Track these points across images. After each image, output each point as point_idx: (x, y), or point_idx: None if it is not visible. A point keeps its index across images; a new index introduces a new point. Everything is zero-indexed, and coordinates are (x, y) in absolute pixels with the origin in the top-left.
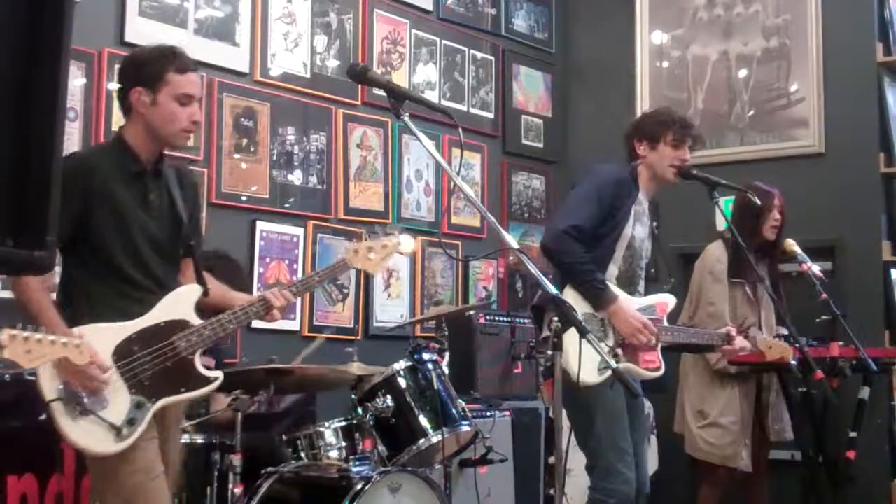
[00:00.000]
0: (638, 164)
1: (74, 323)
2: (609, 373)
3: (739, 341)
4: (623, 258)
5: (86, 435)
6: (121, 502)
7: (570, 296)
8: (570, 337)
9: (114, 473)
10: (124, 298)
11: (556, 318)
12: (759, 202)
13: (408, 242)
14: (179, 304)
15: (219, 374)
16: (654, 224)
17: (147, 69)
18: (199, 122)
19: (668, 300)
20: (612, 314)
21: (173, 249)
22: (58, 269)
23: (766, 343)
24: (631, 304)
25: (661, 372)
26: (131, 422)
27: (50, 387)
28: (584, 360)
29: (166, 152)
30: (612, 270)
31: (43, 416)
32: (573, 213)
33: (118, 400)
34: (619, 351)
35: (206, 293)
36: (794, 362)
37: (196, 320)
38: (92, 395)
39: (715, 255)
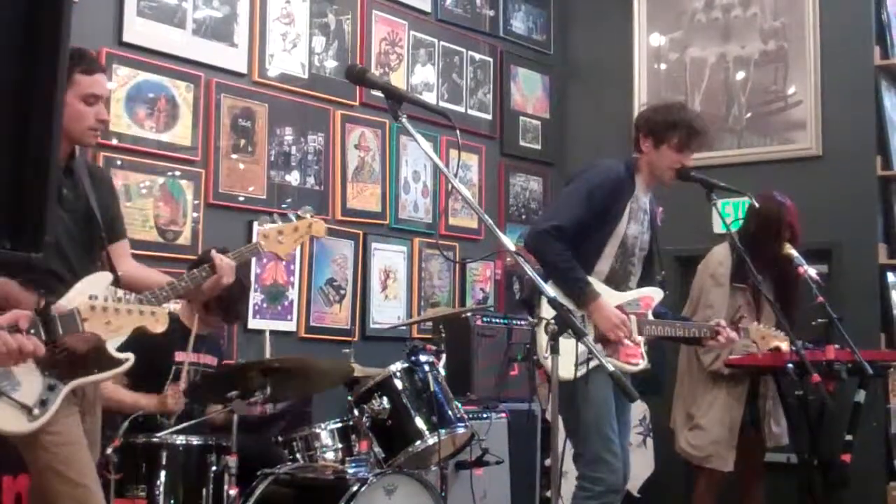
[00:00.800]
0: (640, 158)
1: None
2: (584, 370)
3: (726, 334)
4: (614, 255)
5: (3, 419)
6: (55, 472)
7: (553, 289)
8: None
9: (43, 445)
10: (39, 286)
11: (552, 321)
12: (784, 216)
13: (318, 226)
14: (90, 287)
15: (129, 355)
16: (660, 210)
17: None
18: (107, 121)
19: (654, 294)
20: (592, 311)
21: (88, 241)
22: None
23: (759, 333)
24: (610, 302)
25: (643, 366)
26: (43, 402)
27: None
28: (562, 356)
29: (78, 151)
30: (603, 267)
31: None
32: (557, 213)
33: (30, 381)
34: (599, 346)
35: (115, 280)
36: (790, 365)
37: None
38: (3, 378)
39: (718, 258)
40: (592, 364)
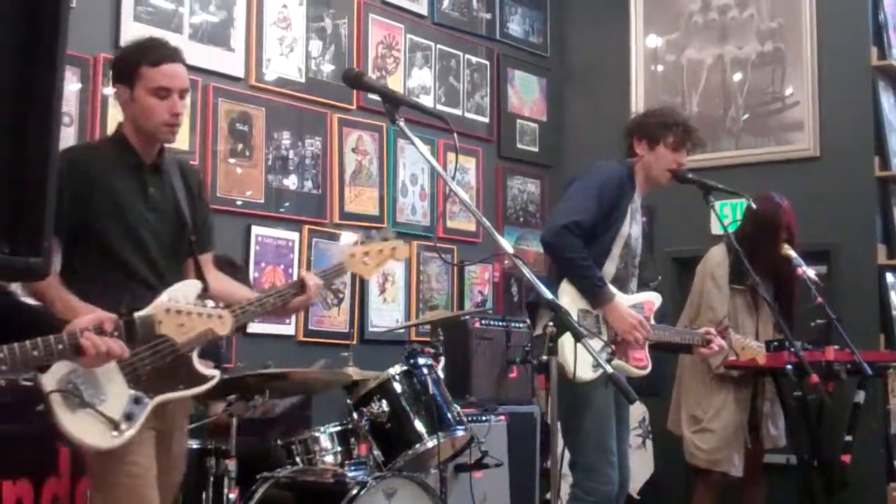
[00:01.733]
0: (635, 163)
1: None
2: (601, 371)
3: (717, 342)
4: (620, 256)
5: (82, 428)
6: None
7: (567, 291)
8: (568, 333)
9: (107, 473)
10: (123, 291)
11: (551, 322)
12: (782, 218)
13: (402, 248)
14: (180, 294)
15: (216, 372)
16: (644, 220)
17: (121, 65)
18: (181, 115)
19: (655, 298)
20: (608, 311)
21: (175, 245)
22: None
23: (739, 343)
24: (625, 302)
25: (649, 370)
26: (129, 416)
27: (50, 378)
28: (581, 356)
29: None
30: (609, 268)
31: (40, 407)
32: (574, 209)
33: (116, 394)
34: (612, 347)
35: (205, 289)
36: (789, 366)
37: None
38: (91, 388)
39: (716, 259)
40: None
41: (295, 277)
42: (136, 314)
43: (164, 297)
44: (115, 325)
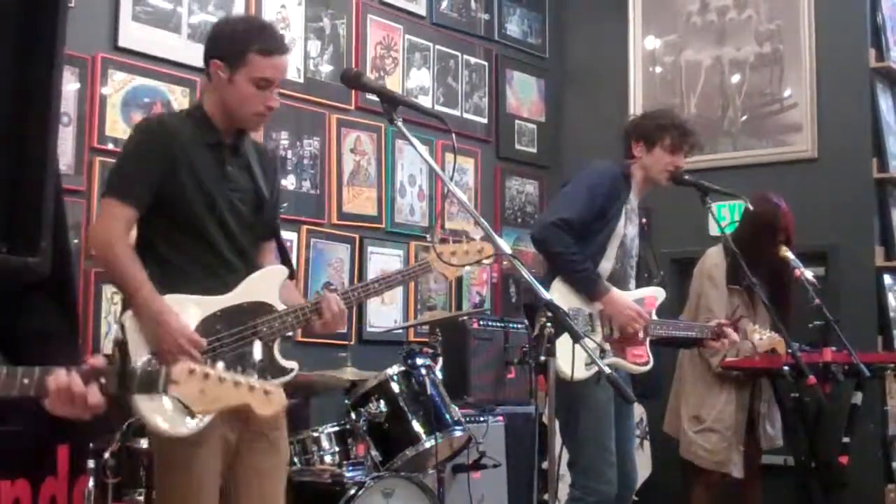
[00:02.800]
0: (633, 164)
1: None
2: (594, 370)
3: (731, 336)
4: (616, 256)
5: (159, 413)
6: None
7: (557, 289)
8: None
9: (169, 476)
10: (205, 272)
11: (548, 323)
12: (780, 219)
13: (489, 248)
14: (264, 285)
15: (295, 364)
16: (644, 221)
17: (229, 44)
18: (275, 108)
19: (658, 293)
20: (606, 303)
21: (254, 226)
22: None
23: (756, 334)
24: (623, 295)
25: (650, 366)
26: None
27: (134, 357)
28: (576, 355)
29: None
30: (605, 267)
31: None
32: (562, 207)
33: None
34: (607, 346)
35: (291, 275)
36: (786, 368)
37: (280, 305)
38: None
39: (713, 260)
40: (595, 369)
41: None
42: (141, 365)
43: (241, 288)
44: (99, 370)
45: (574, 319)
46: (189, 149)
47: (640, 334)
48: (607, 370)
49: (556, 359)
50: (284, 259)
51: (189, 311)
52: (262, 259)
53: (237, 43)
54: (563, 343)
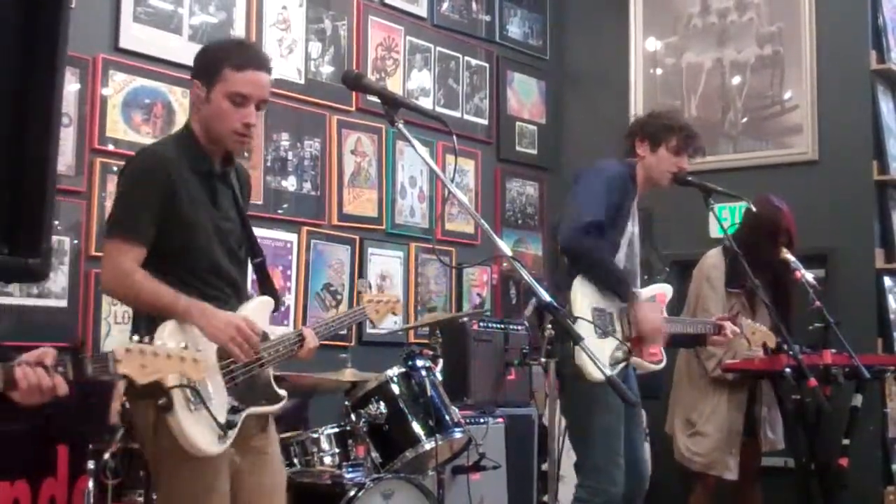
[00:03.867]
0: (636, 163)
1: (157, 325)
2: (619, 367)
3: (730, 328)
4: (626, 255)
5: (199, 431)
6: None
7: (580, 289)
8: (584, 332)
9: (179, 489)
10: (206, 300)
11: (549, 326)
12: (781, 221)
13: (399, 306)
14: (257, 315)
15: (284, 392)
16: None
17: (204, 61)
18: (253, 126)
19: (666, 290)
20: (636, 310)
21: (242, 255)
22: None
23: (750, 328)
24: (648, 306)
25: (664, 364)
26: (230, 425)
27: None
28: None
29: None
30: (619, 265)
31: (162, 401)
32: (588, 209)
33: (220, 400)
34: (628, 345)
35: (276, 307)
36: (788, 369)
37: (272, 334)
38: (205, 390)
39: (712, 262)
40: (620, 366)
41: (293, 280)
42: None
43: (169, 328)
44: (58, 360)
45: (598, 319)
46: (184, 179)
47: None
48: (609, 372)
49: (580, 359)
50: (271, 288)
51: (203, 340)
52: (267, 283)
53: (212, 61)
54: (590, 345)
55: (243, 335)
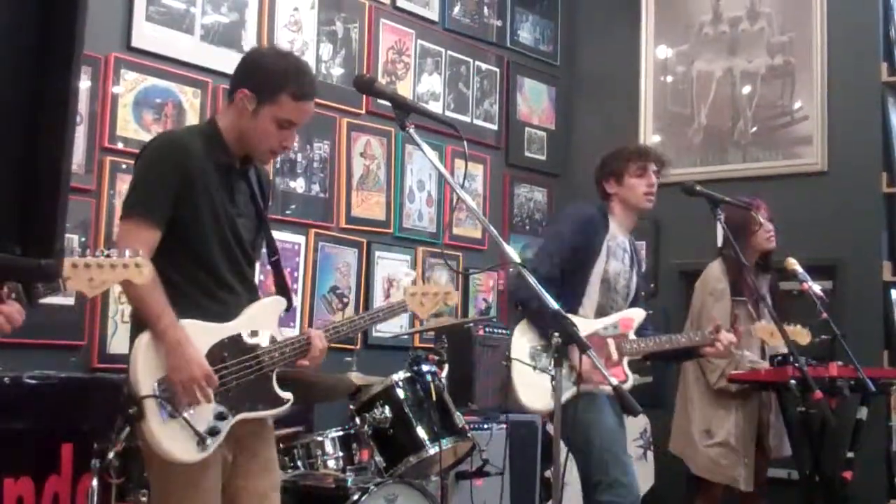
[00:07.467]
0: (609, 203)
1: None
2: (569, 394)
3: (724, 337)
4: (599, 292)
5: (171, 440)
6: None
7: (521, 329)
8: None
9: (176, 499)
10: (208, 297)
11: (556, 334)
12: (746, 217)
13: (454, 295)
14: (265, 315)
15: (289, 395)
16: (641, 254)
17: (263, 78)
18: (290, 148)
19: (634, 314)
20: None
21: (255, 252)
22: None
23: (765, 330)
24: (595, 325)
25: (630, 384)
26: (212, 431)
27: (146, 382)
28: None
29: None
30: (588, 305)
31: (132, 410)
32: (536, 260)
33: (203, 407)
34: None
35: (288, 308)
36: (793, 381)
37: (279, 336)
38: (185, 397)
39: (715, 274)
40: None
41: (300, 281)
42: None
43: (243, 317)
44: (9, 287)
45: (539, 358)
46: (202, 168)
47: (614, 355)
48: (614, 381)
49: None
50: (284, 288)
51: (200, 339)
52: (280, 282)
53: (272, 80)
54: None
55: (197, 384)
